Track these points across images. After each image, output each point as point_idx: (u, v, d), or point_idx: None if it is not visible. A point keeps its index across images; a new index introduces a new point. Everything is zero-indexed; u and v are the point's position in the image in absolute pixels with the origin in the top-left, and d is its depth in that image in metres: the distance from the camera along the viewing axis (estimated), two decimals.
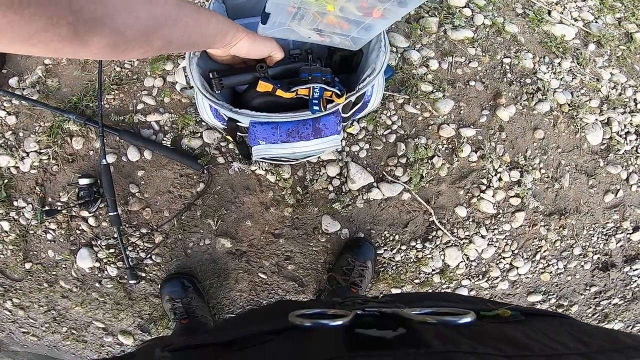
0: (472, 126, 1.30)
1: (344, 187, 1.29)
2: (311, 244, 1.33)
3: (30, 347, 1.50)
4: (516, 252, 1.45)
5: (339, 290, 1.25)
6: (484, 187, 1.34)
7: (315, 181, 1.27)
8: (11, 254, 1.35)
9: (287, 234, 1.32)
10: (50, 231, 1.32)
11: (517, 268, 1.46)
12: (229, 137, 1.23)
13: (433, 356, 0.31)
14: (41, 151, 1.30)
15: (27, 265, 1.35)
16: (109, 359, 0.39)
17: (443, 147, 1.30)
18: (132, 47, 0.48)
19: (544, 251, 1.47)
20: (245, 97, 0.92)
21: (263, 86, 0.86)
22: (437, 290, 1.43)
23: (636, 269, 1.56)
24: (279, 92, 0.86)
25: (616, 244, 1.52)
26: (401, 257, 1.36)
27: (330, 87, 0.85)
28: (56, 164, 1.30)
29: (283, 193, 1.29)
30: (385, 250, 1.34)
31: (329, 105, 0.85)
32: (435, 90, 1.27)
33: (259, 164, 1.26)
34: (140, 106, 1.30)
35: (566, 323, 0.42)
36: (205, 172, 1.26)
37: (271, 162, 1.14)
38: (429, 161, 1.29)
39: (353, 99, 0.85)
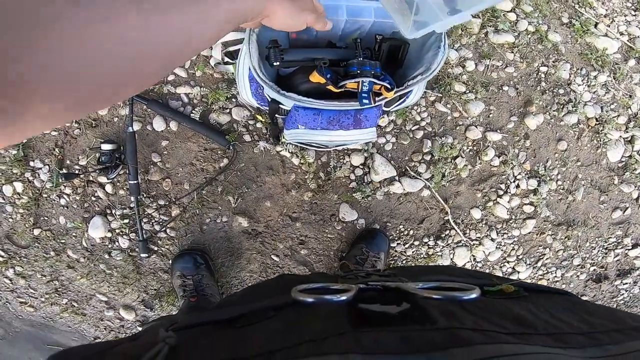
0: (499, 131, 1.32)
1: (366, 178, 1.31)
2: (326, 231, 1.35)
3: (24, 318, 1.50)
4: (520, 257, 1.49)
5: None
6: (501, 192, 1.37)
7: (338, 168, 1.29)
8: (21, 218, 1.35)
9: (304, 218, 1.34)
10: (65, 196, 1.33)
11: (519, 272, 1.51)
12: (258, 116, 1.23)
13: (438, 333, 0.31)
14: None
15: (36, 232, 1.36)
16: (116, 341, 0.38)
17: (468, 148, 1.32)
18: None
19: (546, 259, 1.53)
20: (293, 81, 0.92)
21: (316, 77, 0.87)
22: None
23: (626, 283, 1.63)
24: (330, 87, 0.86)
25: (614, 258, 1.59)
26: (412, 252, 1.39)
27: (379, 80, 0.86)
28: (78, 127, 1.30)
29: (305, 177, 1.30)
30: (398, 243, 1.37)
31: (377, 99, 0.85)
32: (468, 92, 1.29)
33: (286, 145, 1.27)
34: (170, 77, 1.29)
35: (569, 301, 0.42)
36: (231, 148, 1.26)
37: (301, 145, 1.14)
38: (453, 161, 1.32)
39: (400, 94, 0.86)
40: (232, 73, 1.27)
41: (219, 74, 1.29)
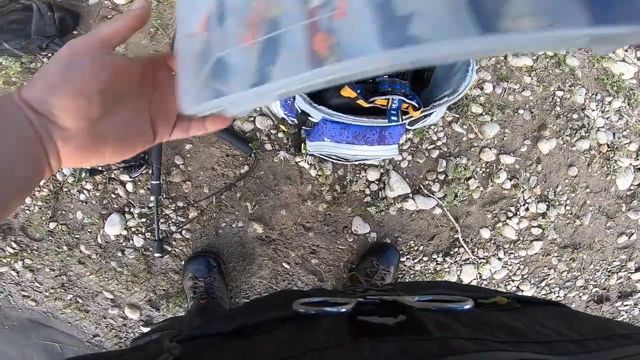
0: (512, 154, 1.35)
1: (381, 193, 1.34)
2: (338, 242, 1.38)
3: (24, 311, 1.53)
4: (525, 276, 1.53)
5: None
6: (510, 215, 1.41)
7: (354, 182, 1.33)
8: (38, 211, 1.39)
9: (317, 229, 1.37)
10: (85, 191, 1.36)
11: (523, 291, 1.54)
12: (282, 126, 1.27)
13: (433, 342, 0.32)
14: None
15: (52, 225, 1.39)
16: (121, 350, 0.39)
17: (481, 170, 1.36)
18: None
19: (550, 279, 1.56)
20: (323, 94, 0.95)
21: (347, 92, 0.90)
22: None
23: (627, 305, 1.67)
24: (360, 102, 0.89)
25: (616, 280, 1.62)
26: (421, 267, 1.42)
27: (408, 99, 0.89)
28: None
29: (321, 189, 1.34)
30: (407, 258, 1.41)
31: (404, 117, 0.89)
32: (484, 113, 1.32)
33: (306, 157, 1.31)
34: None
35: (560, 311, 0.44)
36: (253, 155, 1.30)
37: (322, 157, 1.18)
38: (466, 182, 1.36)
39: (426, 114, 0.89)
40: None
41: None
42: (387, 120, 0.92)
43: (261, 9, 0.27)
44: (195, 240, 1.38)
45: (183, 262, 1.40)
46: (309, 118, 1.01)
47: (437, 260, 1.43)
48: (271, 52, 0.26)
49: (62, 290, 1.46)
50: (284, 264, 1.42)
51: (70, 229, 1.39)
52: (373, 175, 1.34)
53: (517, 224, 1.43)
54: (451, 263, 1.44)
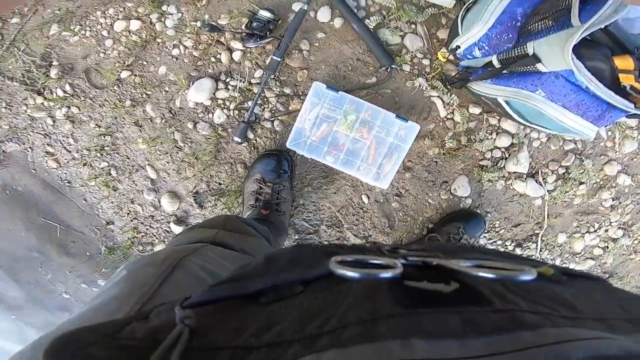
0: (632, 177, 1.32)
1: (501, 163, 1.24)
2: (430, 194, 1.29)
3: (37, 174, 1.27)
4: None
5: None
6: (592, 230, 1.42)
7: (482, 141, 1.20)
8: (116, 56, 1.16)
9: (416, 172, 1.27)
10: (181, 47, 1.15)
11: None
12: (441, 54, 1.12)
13: (499, 315, 0.29)
14: None
15: (124, 74, 1.17)
16: (121, 320, 0.32)
17: (596, 180, 1.31)
18: None
19: None
20: (583, 52, 0.81)
21: (627, 63, 0.77)
22: None
23: None
24: (626, 77, 0.78)
25: None
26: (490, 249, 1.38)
27: None
28: None
29: (445, 132, 1.20)
30: (483, 237, 1.35)
31: None
32: (635, 128, 1.25)
33: (446, 93, 1.16)
34: None
35: (605, 287, 0.42)
36: (389, 70, 1.11)
37: (487, 101, 1.04)
38: (578, 185, 1.29)
39: None
40: (427, 1, 1.16)
41: None
42: (633, 105, 0.82)
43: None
44: (284, 136, 1.19)
45: (254, 160, 1.23)
46: (537, 65, 0.87)
47: (507, 248, 1.41)
48: None
49: (98, 155, 1.25)
50: (363, 196, 1.30)
51: (144, 82, 1.16)
52: (504, 141, 1.24)
53: (591, 239, 1.44)
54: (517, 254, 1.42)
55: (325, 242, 1.37)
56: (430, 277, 0.33)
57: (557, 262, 1.49)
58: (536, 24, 0.86)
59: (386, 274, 0.33)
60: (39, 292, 1.49)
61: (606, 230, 1.45)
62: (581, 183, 1.33)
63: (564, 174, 1.31)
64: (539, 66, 0.86)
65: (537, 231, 1.40)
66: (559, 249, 1.46)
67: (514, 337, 0.26)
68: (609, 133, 1.30)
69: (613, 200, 1.39)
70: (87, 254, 1.40)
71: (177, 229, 1.32)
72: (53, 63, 1.20)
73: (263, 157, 1.21)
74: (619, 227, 1.45)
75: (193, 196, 1.28)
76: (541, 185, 1.31)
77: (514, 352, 0.25)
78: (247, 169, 1.25)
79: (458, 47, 1.05)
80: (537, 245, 1.42)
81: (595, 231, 1.44)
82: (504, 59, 0.94)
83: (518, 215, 1.37)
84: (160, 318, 0.35)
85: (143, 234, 1.35)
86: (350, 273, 0.33)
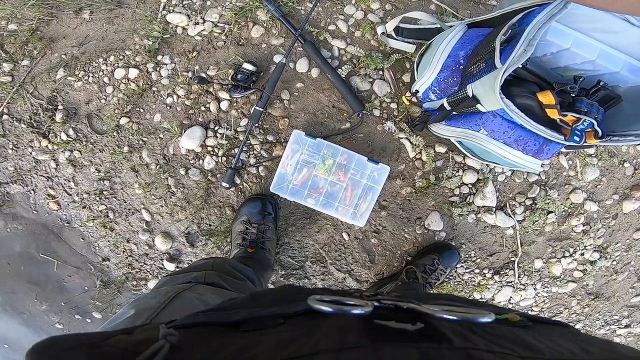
0: (598, 203, 1.42)
1: (469, 198, 1.34)
2: (406, 230, 1.39)
3: (38, 215, 1.41)
4: (544, 309, 1.64)
5: (413, 285, 1.33)
6: (567, 254, 1.50)
7: (449, 178, 1.31)
8: (116, 102, 1.30)
9: (391, 210, 1.37)
10: (175, 96, 1.29)
11: None
12: (405, 98, 1.23)
13: (455, 352, 0.32)
14: (218, 24, 1.27)
15: (123, 121, 1.31)
16: (107, 332, 0.38)
17: (563, 208, 1.40)
18: None
19: (560, 316, 1.68)
20: (513, 90, 0.91)
21: (548, 98, 0.87)
22: None
23: None
24: (551, 111, 0.87)
25: (605, 330, 1.77)
26: (468, 277, 1.48)
27: (598, 126, 0.89)
28: (224, 40, 1.28)
29: (415, 172, 1.32)
30: (461, 266, 1.45)
31: (587, 141, 0.90)
32: (595, 155, 1.34)
33: (413, 135, 1.29)
34: (331, 27, 1.30)
35: (568, 332, 0.46)
36: (361, 115, 1.25)
37: (445, 144, 1.16)
38: (547, 214, 1.38)
39: (602, 144, 0.91)
40: (391, 48, 1.29)
41: (377, 43, 1.28)
42: (563, 137, 0.92)
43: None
44: (268, 181, 1.31)
45: (240, 204, 1.36)
46: (477, 106, 0.97)
47: (485, 276, 1.49)
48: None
49: (97, 199, 1.39)
50: (344, 234, 1.40)
51: (140, 129, 1.29)
52: (470, 178, 1.34)
53: (568, 263, 1.52)
54: (496, 282, 1.51)
55: (312, 281, 1.47)
56: (400, 319, 0.37)
57: (538, 287, 1.57)
58: (472, 67, 0.97)
59: (357, 311, 0.37)
60: (33, 321, 1.60)
61: (582, 254, 1.53)
62: (549, 212, 1.43)
63: (531, 204, 1.41)
64: (479, 107, 0.97)
65: (512, 259, 1.49)
66: (537, 274, 1.54)
67: None
68: (570, 162, 1.40)
69: (584, 225, 1.47)
70: (85, 287, 1.52)
71: (170, 266, 1.44)
72: (59, 107, 1.33)
73: (249, 201, 1.33)
74: (594, 250, 1.53)
75: (185, 236, 1.41)
76: (510, 216, 1.41)
77: None
78: (235, 212, 1.38)
79: (417, 91, 1.17)
80: (514, 272, 1.51)
81: (571, 255, 1.52)
82: (451, 101, 1.05)
83: (492, 245, 1.46)
84: (145, 334, 0.38)
85: (137, 270, 1.47)
86: (325, 308, 0.38)
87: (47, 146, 1.32)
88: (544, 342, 0.38)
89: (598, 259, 1.55)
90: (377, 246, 1.43)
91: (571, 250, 1.52)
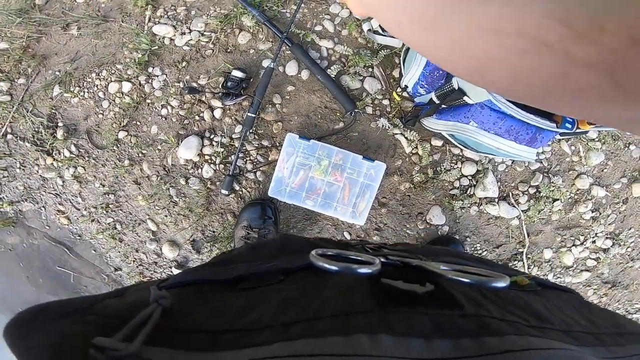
0: (605, 188, 1.40)
1: (470, 190, 1.33)
2: (407, 226, 1.39)
3: (50, 229, 1.49)
4: None
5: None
6: (578, 243, 1.47)
7: (448, 171, 1.31)
8: (113, 117, 1.35)
9: (391, 207, 1.37)
10: (169, 107, 1.34)
11: None
12: (396, 94, 1.23)
13: (467, 319, 0.31)
14: (204, 33, 1.31)
15: (121, 134, 1.36)
16: (99, 295, 0.35)
17: (570, 195, 1.37)
18: None
19: None
20: None
21: None
22: None
23: None
24: None
25: None
26: None
27: None
28: (212, 49, 1.31)
29: (412, 168, 1.33)
30: None
31: (580, 127, 0.89)
32: (597, 140, 1.32)
33: (406, 130, 1.31)
34: (318, 28, 1.32)
35: (576, 299, 0.45)
36: (353, 114, 1.26)
37: (442, 137, 1.16)
38: (552, 202, 1.36)
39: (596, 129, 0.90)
40: (379, 44, 1.30)
41: (365, 40, 1.30)
42: (555, 124, 0.91)
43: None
44: (266, 185, 1.34)
45: (240, 210, 1.40)
46: (464, 98, 0.97)
47: None
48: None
49: (104, 212, 1.44)
50: (345, 233, 1.41)
51: (139, 142, 1.35)
52: (469, 169, 1.34)
53: (579, 252, 1.49)
54: None
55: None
56: (408, 277, 0.35)
57: (550, 278, 1.55)
58: None
59: (363, 270, 0.34)
60: None
61: (593, 242, 1.50)
62: (555, 200, 1.41)
63: (535, 193, 1.40)
64: (466, 99, 0.98)
65: (520, 250, 1.48)
66: (548, 265, 1.52)
67: (479, 342, 0.29)
68: (573, 148, 1.38)
69: (592, 212, 1.45)
70: None
71: None
72: (59, 124, 1.39)
73: (249, 206, 1.37)
74: (606, 237, 1.50)
75: (190, 243, 1.45)
76: (514, 206, 1.39)
77: (477, 357, 0.27)
78: (236, 217, 1.41)
79: (406, 86, 1.18)
80: (523, 264, 1.49)
81: (582, 244, 1.50)
82: (439, 94, 1.06)
83: (498, 237, 1.45)
84: (135, 296, 0.36)
85: (149, 278, 1.52)
86: (329, 266, 0.34)
87: (52, 164, 1.38)
88: (552, 311, 0.37)
89: (611, 247, 1.52)
90: None
91: (581, 238, 1.49)
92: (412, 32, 0.28)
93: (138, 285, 0.39)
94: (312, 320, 0.30)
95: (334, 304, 0.32)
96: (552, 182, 1.39)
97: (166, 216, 1.43)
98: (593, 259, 1.54)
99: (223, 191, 1.33)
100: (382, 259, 0.38)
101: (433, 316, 0.30)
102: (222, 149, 1.33)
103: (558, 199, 1.41)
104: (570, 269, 1.55)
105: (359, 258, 0.38)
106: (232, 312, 0.33)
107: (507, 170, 1.39)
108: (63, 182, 1.42)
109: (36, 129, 1.37)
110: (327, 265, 0.34)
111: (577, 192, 1.43)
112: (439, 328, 0.29)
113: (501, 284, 0.34)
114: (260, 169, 1.35)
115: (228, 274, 0.39)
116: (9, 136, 1.37)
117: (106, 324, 0.31)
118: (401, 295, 0.33)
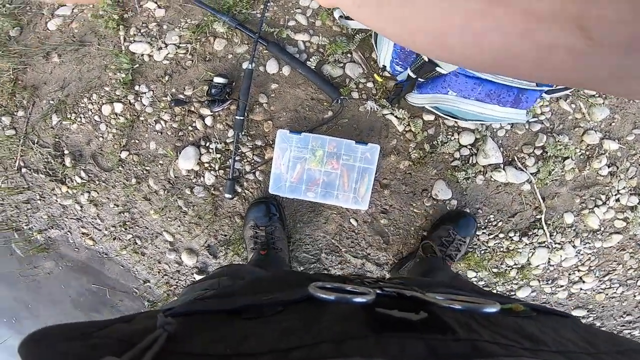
0: (617, 141, 1.33)
1: (472, 159, 1.31)
2: (414, 205, 1.37)
3: (80, 251, 1.60)
4: (592, 268, 1.53)
5: (432, 260, 1.29)
6: (600, 203, 1.40)
7: (445, 144, 1.29)
8: (112, 138, 1.42)
9: (394, 187, 1.36)
10: (162, 122, 1.40)
11: (584, 282, 1.54)
12: (377, 76, 1.23)
13: (460, 343, 0.32)
14: (180, 45, 1.36)
15: (123, 154, 1.43)
16: (105, 321, 0.36)
17: (580, 152, 1.32)
18: None
19: (615, 274, 1.54)
20: None
21: None
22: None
23: None
24: None
25: None
26: (494, 244, 1.42)
27: None
28: (191, 59, 1.37)
29: (408, 145, 1.32)
30: (483, 232, 1.40)
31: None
32: (597, 95, 1.25)
33: (395, 109, 1.27)
34: (291, 23, 1.35)
35: (572, 322, 0.45)
36: (340, 101, 1.26)
37: (431, 111, 1.14)
38: (562, 161, 1.31)
39: None
40: (353, 29, 1.31)
41: (339, 28, 1.32)
42: (534, 83, 0.88)
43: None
44: (267, 184, 1.37)
45: (246, 210, 1.43)
46: (437, 69, 0.97)
47: (512, 239, 1.43)
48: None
49: (123, 230, 1.52)
50: (352, 220, 1.41)
51: (141, 160, 1.42)
52: (467, 139, 1.31)
53: (604, 213, 1.42)
54: (526, 244, 1.44)
55: (332, 272, 1.49)
56: (402, 307, 0.36)
57: (577, 243, 1.47)
58: None
59: (358, 299, 0.37)
60: None
61: (617, 200, 1.42)
62: (565, 158, 1.35)
63: (541, 154, 1.35)
64: (439, 69, 0.98)
65: (538, 216, 1.42)
66: (572, 230, 1.44)
67: None
68: (573, 105, 1.32)
69: (609, 167, 1.37)
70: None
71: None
72: (65, 152, 1.48)
73: (253, 206, 1.40)
74: (630, 194, 1.41)
75: (206, 249, 1.50)
76: (522, 170, 1.35)
77: None
78: (243, 219, 1.44)
79: (385, 66, 1.18)
80: (544, 231, 1.42)
81: (604, 203, 1.42)
82: (414, 69, 1.06)
83: (511, 205, 1.40)
84: (143, 322, 0.37)
85: (175, 286, 1.59)
86: (326, 296, 0.37)
87: (67, 191, 1.48)
88: (547, 333, 0.38)
89: (638, 203, 1.42)
90: (388, 226, 1.43)
91: (603, 197, 1.41)
92: (371, 12, 0.28)
93: (147, 312, 0.42)
94: (311, 345, 0.31)
95: (331, 331, 0.33)
96: (559, 141, 1.33)
97: (179, 226, 1.48)
98: (621, 219, 1.45)
99: (226, 195, 1.38)
100: (378, 291, 0.41)
101: (427, 340, 0.32)
102: (219, 155, 1.37)
103: (568, 157, 1.35)
104: (597, 232, 1.46)
105: (355, 290, 0.40)
106: (235, 338, 0.34)
107: (507, 135, 1.34)
108: (81, 207, 1.51)
109: (46, 160, 1.47)
110: (324, 295, 0.37)
111: (588, 147, 1.36)
112: (433, 352, 0.30)
113: (491, 309, 0.36)
114: (259, 168, 1.39)
115: (230, 304, 0.41)
116: (24, 170, 1.48)
117: (113, 345, 0.32)
118: (396, 323, 0.34)
